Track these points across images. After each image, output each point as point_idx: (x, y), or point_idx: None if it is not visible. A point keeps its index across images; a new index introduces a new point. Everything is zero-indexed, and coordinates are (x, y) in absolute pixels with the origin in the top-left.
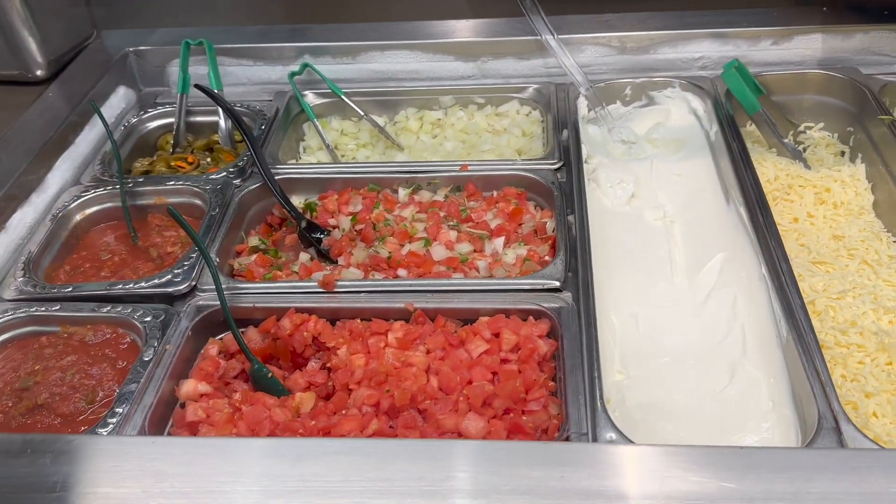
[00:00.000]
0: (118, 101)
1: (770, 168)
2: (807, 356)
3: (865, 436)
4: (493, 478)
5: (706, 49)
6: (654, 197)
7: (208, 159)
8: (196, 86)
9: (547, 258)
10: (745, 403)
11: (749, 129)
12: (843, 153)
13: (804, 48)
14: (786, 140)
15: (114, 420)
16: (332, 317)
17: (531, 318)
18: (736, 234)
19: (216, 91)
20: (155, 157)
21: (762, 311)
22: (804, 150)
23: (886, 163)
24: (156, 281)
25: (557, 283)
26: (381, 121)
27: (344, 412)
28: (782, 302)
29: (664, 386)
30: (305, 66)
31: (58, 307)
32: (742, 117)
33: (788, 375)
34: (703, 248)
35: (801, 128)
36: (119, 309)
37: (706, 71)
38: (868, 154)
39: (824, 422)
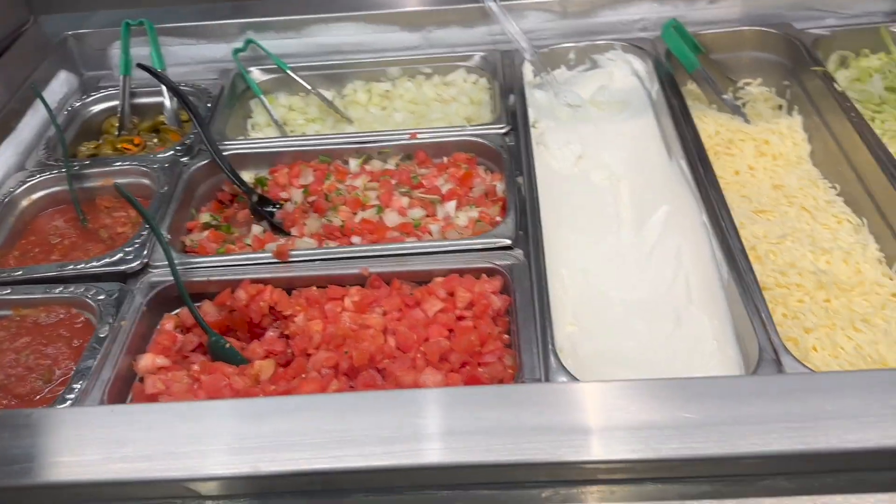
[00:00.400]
0: (60, 86)
1: (711, 124)
2: (747, 296)
3: (804, 365)
4: (450, 421)
5: (645, 11)
6: (600, 157)
7: (155, 140)
8: (139, 65)
9: (498, 219)
10: (692, 346)
11: (690, 88)
12: (780, 106)
13: (739, 6)
14: (725, 96)
15: (72, 396)
16: (288, 286)
17: (484, 275)
18: (678, 187)
19: (160, 70)
20: (101, 141)
21: (705, 258)
22: (743, 105)
23: (821, 113)
24: (107, 260)
25: (509, 241)
26: (328, 95)
27: (304, 376)
28: (723, 247)
29: (614, 335)
30: (249, 42)
31: (8, 291)
32: (682, 76)
33: (731, 316)
34: (648, 203)
35: (740, 83)
36: (71, 289)
37: (646, 32)
38: (804, 106)
39: (765, 354)
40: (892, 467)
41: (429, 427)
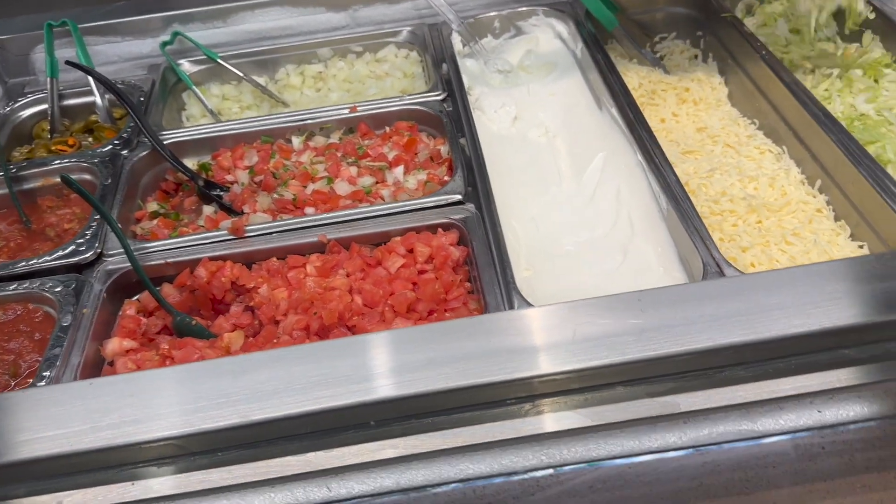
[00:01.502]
0: None
1: (634, 77)
2: (686, 220)
3: (746, 275)
4: (429, 353)
5: None
6: (535, 117)
7: (89, 139)
8: (69, 62)
9: (446, 178)
10: (640, 274)
11: (611, 46)
12: (696, 56)
13: None
14: (644, 51)
15: (42, 384)
16: (247, 261)
17: (440, 230)
18: (612, 133)
19: (88, 66)
20: (33, 146)
21: (643, 194)
22: (661, 57)
23: (734, 57)
24: (60, 253)
25: (460, 196)
26: (261, 80)
27: (275, 341)
28: (659, 181)
29: (568, 274)
30: (176, 34)
31: None
32: (603, 35)
33: (674, 242)
34: (585, 152)
35: (657, 39)
36: (26, 284)
37: None
38: (718, 52)
39: (709, 269)
40: (835, 347)
41: (409, 360)
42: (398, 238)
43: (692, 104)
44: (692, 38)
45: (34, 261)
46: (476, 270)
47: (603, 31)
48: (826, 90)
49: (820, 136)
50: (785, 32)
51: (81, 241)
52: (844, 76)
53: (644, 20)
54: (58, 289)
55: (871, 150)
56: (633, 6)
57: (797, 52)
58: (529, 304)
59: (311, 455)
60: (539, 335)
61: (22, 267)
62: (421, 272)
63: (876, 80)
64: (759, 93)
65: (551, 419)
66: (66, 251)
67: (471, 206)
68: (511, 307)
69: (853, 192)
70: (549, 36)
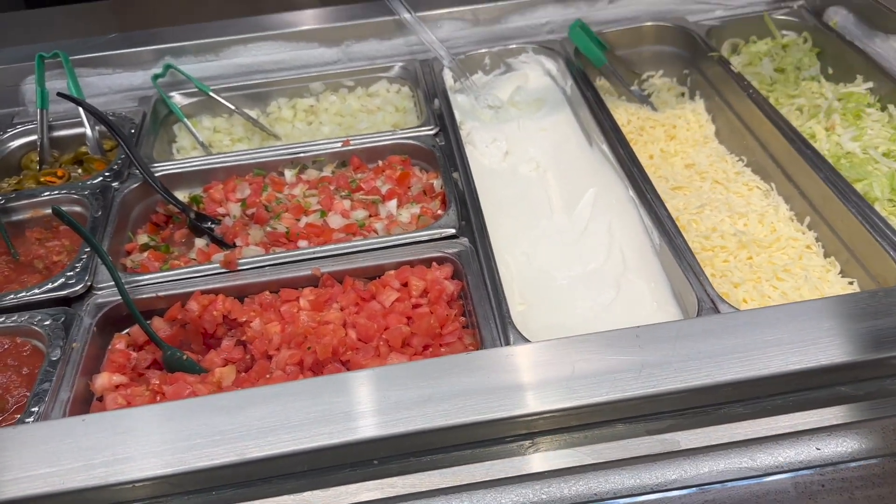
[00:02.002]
0: None
1: (622, 114)
2: (679, 256)
3: (740, 311)
4: (427, 390)
5: (551, 14)
6: (526, 152)
7: (79, 171)
8: (60, 94)
9: (440, 212)
10: (634, 310)
11: (600, 83)
12: (683, 94)
13: (637, 4)
14: (633, 88)
15: (31, 420)
16: (240, 294)
17: (434, 264)
18: (602, 169)
19: (79, 98)
20: (21, 176)
21: (635, 229)
22: (649, 95)
23: (721, 95)
24: (49, 286)
25: (454, 230)
26: (253, 114)
27: (268, 376)
28: (651, 216)
29: (561, 308)
30: (168, 67)
31: None
32: (592, 72)
33: (667, 277)
34: (576, 188)
35: (645, 76)
36: (14, 318)
37: (554, 34)
38: (704, 90)
39: (703, 304)
40: (833, 384)
41: (406, 397)
42: (392, 272)
43: (680, 141)
44: (679, 76)
45: (22, 294)
46: (471, 304)
47: (592, 68)
48: (812, 128)
49: (808, 173)
50: (770, 72)
51: (71, 273)
52: (829, 115)
53: (631, 57)
54: (47, 322)
55: (858, 187)
56: (621, 43)
57: (782, 91)
58: (526, 339)
59: (307, 494)
60: (538, 371)
61: (10, 300)
62: (415, 306)
63: (858, 116)
64: (747, 130)
65: (551, 457)
66: (56, 284)
67: (465, 240)
68: (507, 342)
69: (842, 228)
70: (539, 73)
